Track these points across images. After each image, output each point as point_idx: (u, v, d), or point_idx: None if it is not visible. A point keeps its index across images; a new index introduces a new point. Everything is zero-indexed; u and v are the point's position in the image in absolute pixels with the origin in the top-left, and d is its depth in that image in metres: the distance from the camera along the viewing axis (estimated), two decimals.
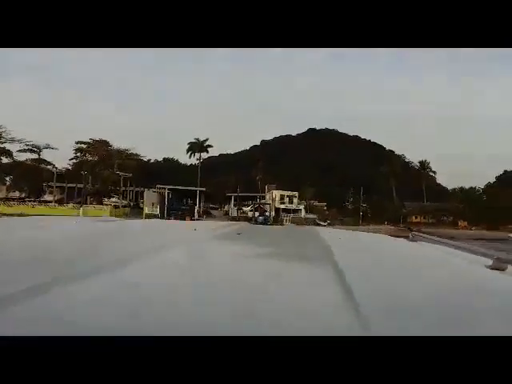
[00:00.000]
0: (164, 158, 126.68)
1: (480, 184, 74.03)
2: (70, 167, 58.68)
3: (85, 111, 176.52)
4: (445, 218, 64.38)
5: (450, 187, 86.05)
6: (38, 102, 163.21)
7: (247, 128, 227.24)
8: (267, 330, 0.83)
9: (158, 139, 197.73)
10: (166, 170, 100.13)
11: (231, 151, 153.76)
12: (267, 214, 23.17)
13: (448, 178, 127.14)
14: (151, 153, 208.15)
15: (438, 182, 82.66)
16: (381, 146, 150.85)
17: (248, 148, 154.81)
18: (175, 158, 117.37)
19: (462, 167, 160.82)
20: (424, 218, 65.07)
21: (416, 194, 73.83)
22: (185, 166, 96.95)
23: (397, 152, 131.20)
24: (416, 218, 65.17)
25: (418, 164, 79.50)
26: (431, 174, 79.01)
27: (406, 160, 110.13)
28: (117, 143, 61.97)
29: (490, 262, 2.53)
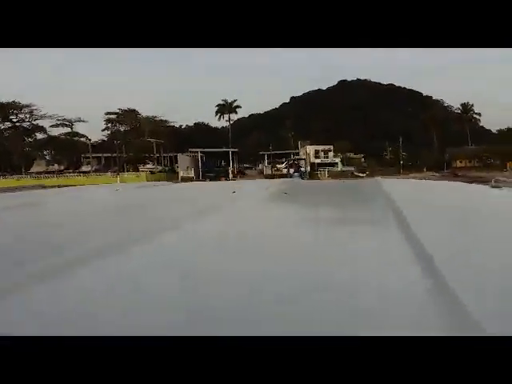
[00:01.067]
0: (195, 123, 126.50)
1: None
2: (104, 138, 59.25)
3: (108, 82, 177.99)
4: (491, 161, 60.48)
5: (494, 129, 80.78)
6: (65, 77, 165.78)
7: (276, 85, 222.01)
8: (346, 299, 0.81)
9: (186, 105, 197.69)
10: (199, 135, 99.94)
11: (261, 111, 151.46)
12: (302, 169, 21.98)
13: (493, 122, 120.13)
14: (182, 119, 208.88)
15: (481, 124, 77.10)
16: (418, 93, 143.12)
17: (278, 106, 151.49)
18: (206, 122, 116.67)
19: (503, 111, 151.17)
20: (470, 162, 61.41)
21: (458, 138, 69.68)
22: (216, 128, 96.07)
23: (435, 97, 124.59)
24: (461, 162, 61.66)
25: (460, 107, 74.30)
26: (475, 116, 73.69)
27: (445, 104, 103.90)
28: (146, 112, 61.80)
29: None
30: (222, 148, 60.54)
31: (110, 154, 57.68)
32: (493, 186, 2.84)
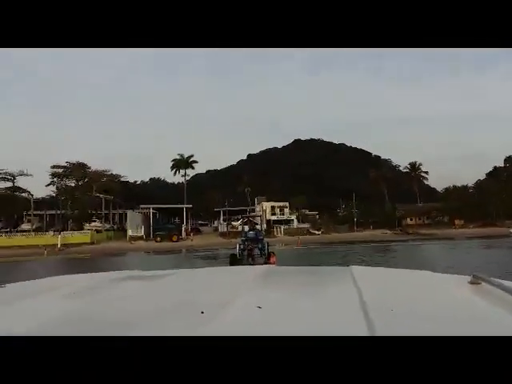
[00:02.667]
0: (151, 179, 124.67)
1: (470, 183, 73.25)
2: (52, 193, 55.29)
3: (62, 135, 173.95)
4: (440, 218, 62.77)
5: (438, 188, 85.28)
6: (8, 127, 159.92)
7: (234, 144, 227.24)
8: None
9: (142, 161, 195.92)
10: (154, 191, 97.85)
11: (218, 167, 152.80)
12: (258, 227, 20.51)
13: (435, 180, 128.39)
14: (137, 175, 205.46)
15: (426, 183, 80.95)
16: (367, 152, 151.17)
17: (235, 163, 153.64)
18: (162, 178, 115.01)
19: (447, 169, 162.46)
20: (419, 219, 63.30)
21: (407, 196, 72.42)
22: (173, 184, 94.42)
23: (383, 157, 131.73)
24: (411, 220, 63.42)
25: (409, 166, 78.04)
26: (423, 174, 77.33)
27: (393, 164, 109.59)
28: (98, 167, 59.06)
29: None
30: (179, 204, 58.39)
31: (54, 211, 53.84)
32: (471, 282, 1.47)
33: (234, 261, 17.01)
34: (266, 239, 19.58)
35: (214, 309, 1.07)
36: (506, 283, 1.21)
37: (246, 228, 19.81)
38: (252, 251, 17.49)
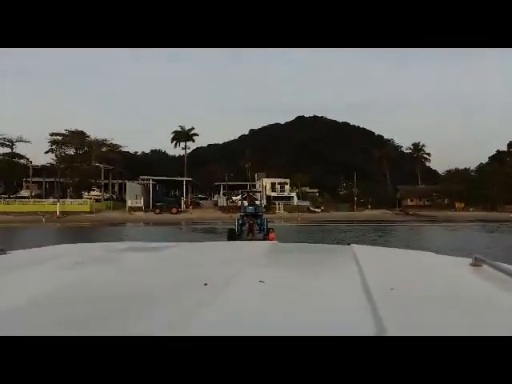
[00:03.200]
0: (152, 150, 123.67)
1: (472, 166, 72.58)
2: (52, 161, 54.55)
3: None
4: (440, 200, 62.51)
5: (440, 171, 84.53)
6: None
7: (236, 119, 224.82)
8: None
9: (144, 135, 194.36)
10: (155, 162, 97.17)
11: (220, 141, 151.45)
12: (257, 202, 20.12)
13: (436, 163, 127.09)
14: (139, 146, 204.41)
15: (428, 165, 80.00)
16: (370, 132, 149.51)
17: (237, 137, 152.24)
18: (163, 150, 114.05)
19: (448, 152, 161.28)
20: (420, 200, 63.03)
21: (408, 177, 71.94)
22: (174, 157, 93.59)
23: (386, 137, 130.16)
24: (412, 201, 63.18)
25: (412, 146, 76.99)
26: (425, 155, 76.40)
27: (395, 144, 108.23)
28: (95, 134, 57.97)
29: None
30: (176, 177, 58.02)
31: (53, 179, 53.49)
32: (473, 264, 1.44)
33: (232, 236, 16.78)
34: (265, 215, 19.33)
35: (217, 282, 1.07)
36: (507, 266, 1.21)
37: (246, 203, 19.46)
38: (252, 226, 17.24)
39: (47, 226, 33.00)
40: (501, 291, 1.05)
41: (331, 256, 1.86)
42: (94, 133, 59.35)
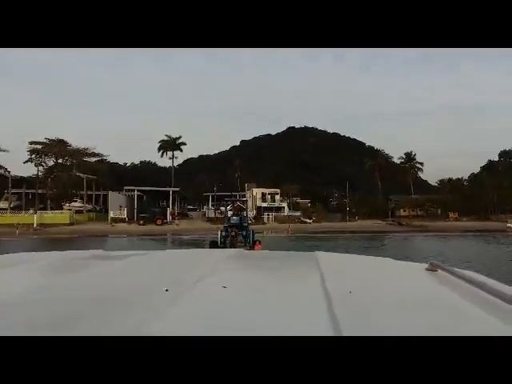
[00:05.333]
0: (141, 161, 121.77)
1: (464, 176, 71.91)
2: (34, 172, 52.00)
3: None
4: (433, 210, 61.43)
5: (430, 181, 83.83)
6: None
7: (227, 130, 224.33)
8: None
9: (132, 146, 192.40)
10: (144, 174, 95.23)
11: (210, 152, 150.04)
12: (243, 212, 18.21)
13: (427, 173, 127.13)
14: (127, 160, 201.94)
15: (419, 175, 78.88)
16: (361, 143, 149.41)
17: (228, 149, 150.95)
18: (153, 161, 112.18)
19: (438, 162, 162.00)
20: (413, 210, 61.84)
21: (399, 188, 70.83)
22: (164, 168, 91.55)
23: (376, 148, 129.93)
24: (404, 211, 61.96)
25: (404, 156, 75.95)
26: (418, 165, 75.25)
27: (386, 154, 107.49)
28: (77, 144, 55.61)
29: None
30: (168, 188, 55.91)
31: (33, 190, 51.18)
32: (428, 269, 1.47)
33: (214, 248, 15.10)
34: (255, 226, 17.71)
35: (178, 287, 1.08)
36: (461, 271, 1.27)
37: (230, 214, 17.76)
38: (235, 238, 15.54)
39: (18, 239, 30.89)
40: (452, 294, 1.10)
41: (295, 262, 1.88)
42: (80, 142, 57.01)
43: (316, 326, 0.81)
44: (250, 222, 19.67)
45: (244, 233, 16.10)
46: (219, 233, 16.32)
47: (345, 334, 0.74)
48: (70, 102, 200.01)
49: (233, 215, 16.97)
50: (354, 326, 0.78)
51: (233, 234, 15.58)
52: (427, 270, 1.43)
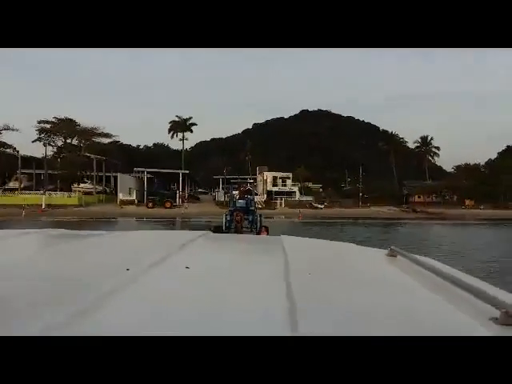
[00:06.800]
0: (154, 144, 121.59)
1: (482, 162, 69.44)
2: (53, 153, 51.50)
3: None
4: (449, 197, 59.67)
5: (445, 167, 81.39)
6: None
7: (240, 114, 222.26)
8: None
9: (146, 128, 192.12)
10: (157, 156, 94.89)
11: (223, 135, 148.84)
12: (250, 196, 17.09)
13: (441, 159, 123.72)
14: (142, 141, 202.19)
15: (434, 161, 76.32)
16: (375, 126, 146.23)
17: (240, 132, 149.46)
18: (166, 144, 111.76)
19: (455, 150, 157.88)
20: (428, 197, 60.15)
21: (414, 173, 68.90)
22: (176, 151, 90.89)
23: (391, 131, 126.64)
24: (419, 197, 60.32)
25: (419, 140, 73.58)
26: (434, 150, 72.93)
27: (400, 139, 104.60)
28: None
29: None
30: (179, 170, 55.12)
31: (43, 171, 50.98)
32: (388, 255, 1.55)
33: (218, 233, 14.21)
34: (264, 211, 16.77)
35: (140, 267, 1.08)
36: (418, 257, 1.35)
37: (237, 197, 16.79)
38: (240, 222, 14.62)
39: (22, 220, 30.58)
40: (407, 277, 1.17)
41: (261, 245, 1.93)
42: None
43: (273, 306, 0.82)
44: (259, 206, 18.72)
45: (250, 217, 15.18)
46: (224, 217, 15.45)
47: (301, 318, 0.74)
48: (84, 97, 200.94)
49: (239, 199, 16.02)
50: (311, 309, 0.80)
51: (238, 218, 14.64)
52: (387, 255, 1.50)
